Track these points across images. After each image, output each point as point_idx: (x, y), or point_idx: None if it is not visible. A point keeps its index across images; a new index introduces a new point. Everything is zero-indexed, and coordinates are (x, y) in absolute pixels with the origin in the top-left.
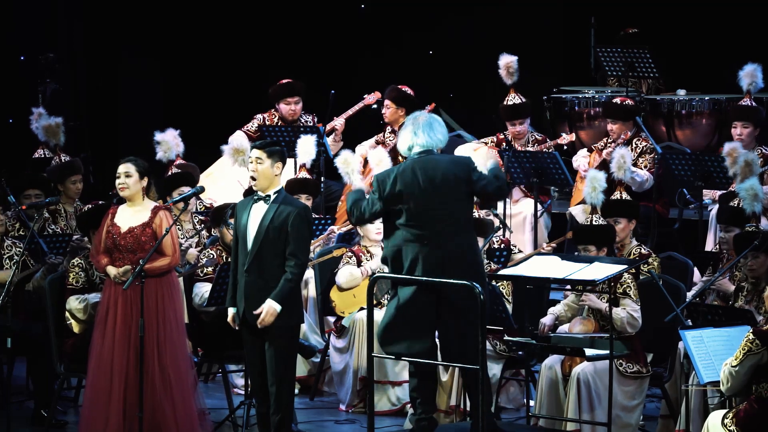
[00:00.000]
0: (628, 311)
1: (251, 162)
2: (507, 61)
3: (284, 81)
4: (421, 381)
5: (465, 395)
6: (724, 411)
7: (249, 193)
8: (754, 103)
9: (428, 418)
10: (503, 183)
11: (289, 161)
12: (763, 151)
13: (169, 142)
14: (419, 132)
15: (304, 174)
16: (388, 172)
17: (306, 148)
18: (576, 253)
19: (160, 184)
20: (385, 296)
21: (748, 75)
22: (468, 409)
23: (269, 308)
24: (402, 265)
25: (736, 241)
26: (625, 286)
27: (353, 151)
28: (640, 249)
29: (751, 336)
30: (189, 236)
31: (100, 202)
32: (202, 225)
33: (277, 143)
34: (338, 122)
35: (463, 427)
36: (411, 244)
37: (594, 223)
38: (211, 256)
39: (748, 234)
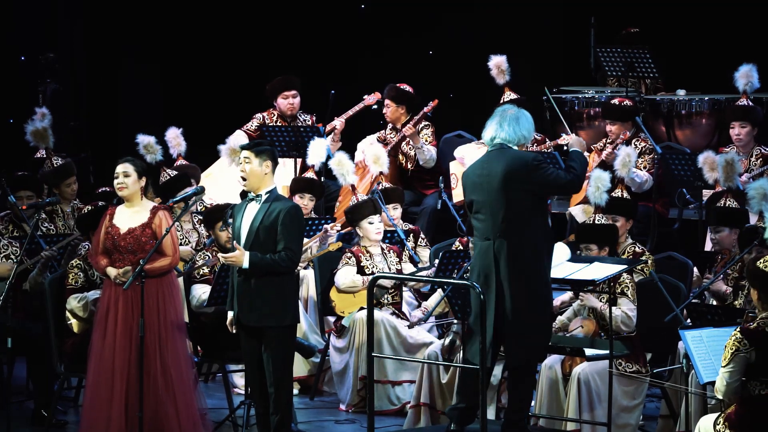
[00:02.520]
0: (623, 310)
1: (240, 163)
2: (497, 61)
3: (280, 77)
4: (462, 373)
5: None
6: (716, 414)
7: (245, 194)
8: (751, 103)
9: (460, 408)
10: (575, 176)
11: (290, 161)
12: (762, 150)
13: (154, 144)
14: (504, 125)
15: (311, 174)
16: (469, 166)
17: (317, 150)
18: (578, 252)
19: (155, 187)
20: (385, 296)
21: (744, 75)
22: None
23: (237, 255)
24: (472, 262)
25: (741, 239)
26: (623, 285)
27: (354, 151)
28: (635, 247)
29: (739, 335)
30: (189, 236)
31: (101, 203)
32: (202, 224)
33: (265, 142)
34: (338, 122)
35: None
36: (475, 237)
37: (597, 222)
38: (208, 256)
39: (751, 231)
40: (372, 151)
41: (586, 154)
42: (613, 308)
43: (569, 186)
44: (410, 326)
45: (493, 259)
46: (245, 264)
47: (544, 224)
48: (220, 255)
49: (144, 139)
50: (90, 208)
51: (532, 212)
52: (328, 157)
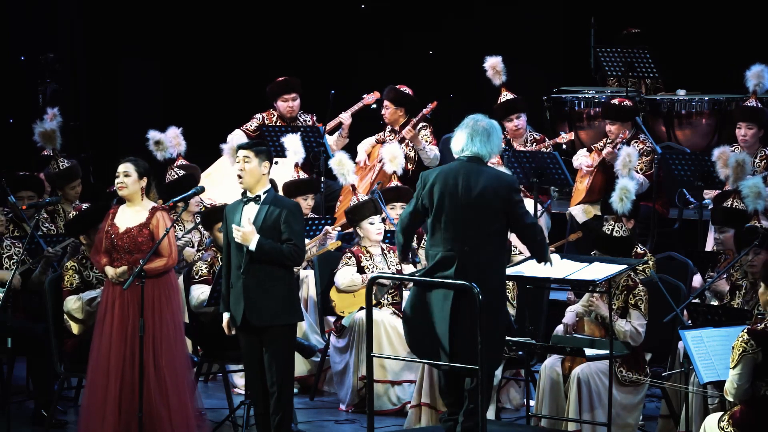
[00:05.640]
0: (633, 325)
1: (238, 161)
2: (492, 62)
3: (280, 78)
4: (447, 382)
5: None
6: (720, 413)
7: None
8: (759, 104)
9: (454, 419)
10: (540, 235)
11: (289, 162)
12: (767, 152)
13: (165, 141)
14: (475, 139)
15: (301, 174)
16: (433, 170)
17: (294, 147)
18: (594, 253)
19: (161, 187)
20: (385, 296)
21: (755, 75)
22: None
23: (249, 232)
24: (428, 265)
25: (738, 239)
26: (637, 298)
27: (354, 151)
28: (636, 248)
29: (746, 336)
30: (192, 236)
31: (83, 206)
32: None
33: (262, 143)
34: (345, 116)
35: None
36: (437, 247)
37: (615, 233)
38: (207, 257)
39: (750, 232)
40: (389, 150)
41: (585, 153)
42: (623, 321)
43: (529, 229)
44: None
45: (455, 273)
46: (253, 245)
47: (504, 246)
48: (234, 226)
49: (155, 135)
50: (75, 213)
51: (499, 232)
52: (329, 157)
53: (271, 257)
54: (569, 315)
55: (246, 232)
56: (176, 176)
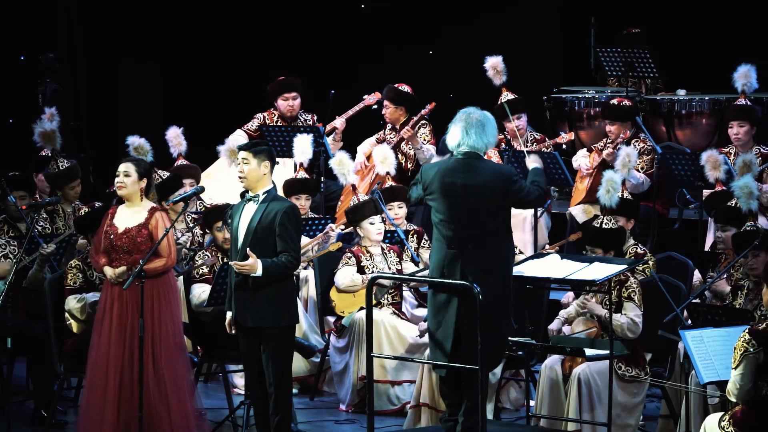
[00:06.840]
0: (629, 317)
1: (239, 163)
2: (493, 62)
3: (281, 78)
4: (446, 382)
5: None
6: (721, 413)
7: (244, 194)
8: (749, 103)
9: (454, 419)
10: (542, 192)
11: (290, 161)
12: (762, 150)
13: (144, 146)
14: (471, 132)
15: (302, 174)
16: (433, 165)
17: (302, 147)
18: (584, 252)
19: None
20: (385, 296)
21: (742, 76)
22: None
23: (252, 264)
24: (433, 265)
25: (735, 240)
26: (630, 290)
27: (354, 151)
28: (636, 248)
29: (747, 336)
30: (182, 234)
31: (97, 205)
32: (194, 223)
33: (263, 143)
34: (338, 122)
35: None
36: (439, 244)
37: (604, 225)
38: (207, 256)
39: (748, 233)
40: (380, 151)
41: (585, 153)
42: (619, 315)
43: (537, 203)
44: (421, 335)
45: (460, 271)
46: (259, 272)
47: (510, 238)
48: (233, 263)
49: (135, 141)
50: (87, 210)
51: (501, 225)
52: (329, 157)
53: (276, 277)
54: (556, 322)
55: (250, 264)
56: (160, 179)
